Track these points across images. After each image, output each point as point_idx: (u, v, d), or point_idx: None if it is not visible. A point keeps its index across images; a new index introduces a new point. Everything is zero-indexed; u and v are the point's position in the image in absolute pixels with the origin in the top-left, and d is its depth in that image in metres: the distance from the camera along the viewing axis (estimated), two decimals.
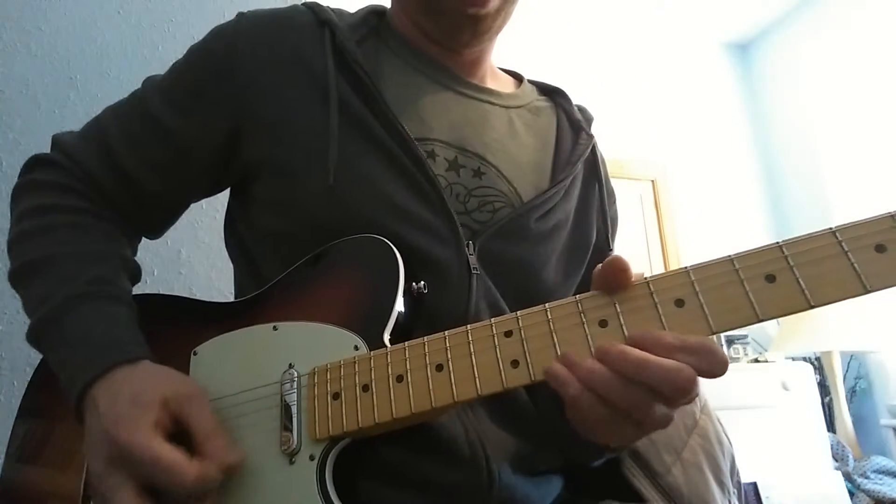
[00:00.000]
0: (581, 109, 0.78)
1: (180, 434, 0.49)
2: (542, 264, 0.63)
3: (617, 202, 0.79)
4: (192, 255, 1.52)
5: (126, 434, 0.47)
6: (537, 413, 0.61)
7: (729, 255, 0.41)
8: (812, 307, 0.38)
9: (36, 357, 1.32)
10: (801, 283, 0.38)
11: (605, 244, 0.72)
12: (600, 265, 0.44)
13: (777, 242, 0.40)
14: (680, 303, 0.41)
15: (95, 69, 1.49)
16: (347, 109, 0.60)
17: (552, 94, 0.79)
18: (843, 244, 0.38)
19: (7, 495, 0.59)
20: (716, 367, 0.39)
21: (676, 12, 3.01)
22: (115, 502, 0.46)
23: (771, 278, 0.39)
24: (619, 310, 0.42)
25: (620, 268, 0.42)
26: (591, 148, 0.72)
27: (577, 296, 0.44)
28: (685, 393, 0.39)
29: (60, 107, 1.43)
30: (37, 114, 1.40)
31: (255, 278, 0.65)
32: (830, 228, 0.39)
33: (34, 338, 0.58)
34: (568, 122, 0.75)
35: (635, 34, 2.96)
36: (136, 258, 0.69)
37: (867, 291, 0.37)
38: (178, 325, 0.61)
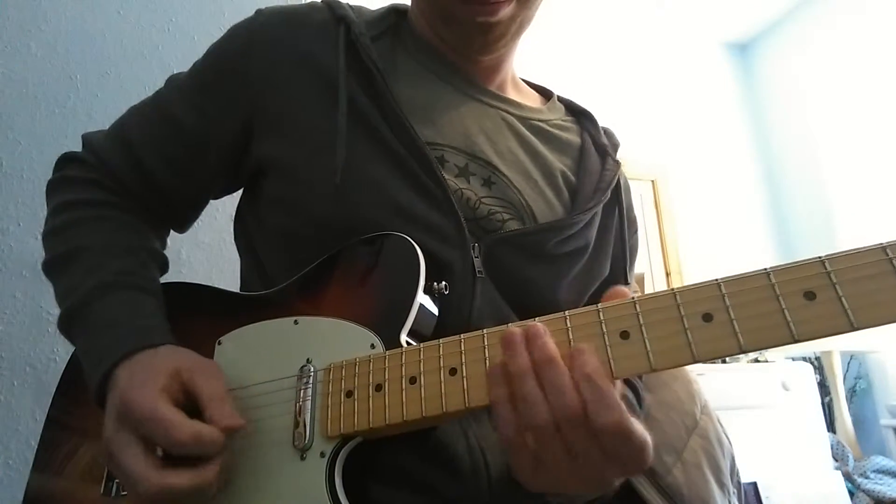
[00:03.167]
0: (607, 133, 0.76)
1: (192, 406, 0.50)
2: (556, 285, 0.62)
3: (638, 231, 0.76)
4: (192, 255, 1.52)
5: (132, 392, 0.48)
6: None
7: (765, 268, 0.38)
8: (855, 329, 0.34)
9: (36, 357, 1.32)
10: (844, 302, 0.35)
11: (620, 274, 0.70)
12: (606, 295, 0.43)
13: (819, 257, 0.36)
14: (708, 317, 0.38)
15: (95, 69, 1.49)
16: (356, 108, 0.60)
17: (579, 116, 0.77)
18: (894, 262, 0.35)
19: None
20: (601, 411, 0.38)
21: (676, 12, 3.01)
22: (123, 459, 0.47)
23: (810, 295, 0.36)
24: (641, 322, 0.40)
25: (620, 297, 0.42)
26: (617, 175, 0.70)
27: (599, 304, 0.42)
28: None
29: (60, 107, 1.43)
30: (37, 114, 1.40)
31: (258, 274, 0.66)
32: (881, 244, 0.35)
33: (64, 327, 0.60)
34: (594, 145, 0.73)
35: (635, 34, 2.96)
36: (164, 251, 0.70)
37: None
38: (205, 315, 0.61)
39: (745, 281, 0.38)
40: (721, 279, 0.39)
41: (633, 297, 0.41)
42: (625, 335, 0.40)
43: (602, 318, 0.41)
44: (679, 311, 0.39)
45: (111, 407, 0.50)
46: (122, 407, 0.48)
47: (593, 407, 0.38)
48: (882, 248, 0.35)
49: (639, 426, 0.40)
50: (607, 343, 0.40)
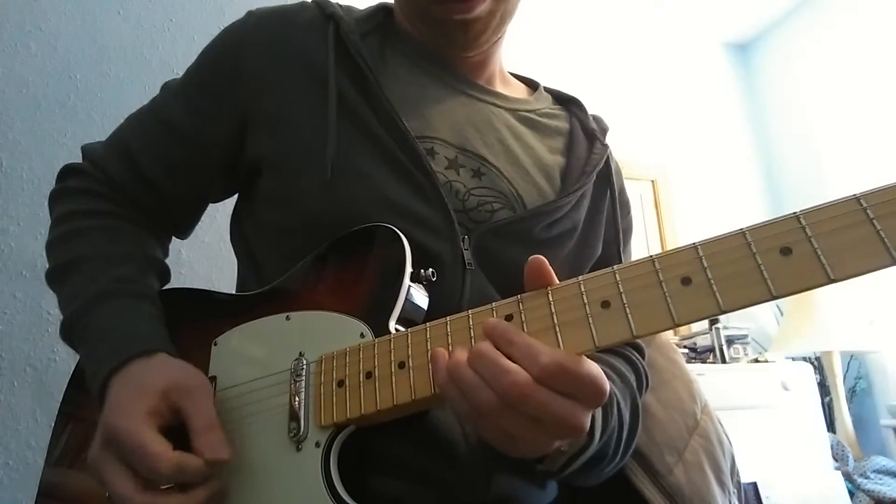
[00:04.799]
0: (596, 119, 0.77)
1: (181, 426, 0.50)
2: None
3: (631, 212, 0.77)
4: (192, 255, 1.52)
5: (118, 418, 0.49)
6: None
7: (741, 228, 0.38)
8: (832, 281, 0.34)
9: (36, 357, 1.33)
10: (820, 255, 0.35)
11: (615, 256, 0.70)
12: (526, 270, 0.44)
13: (794, 212, 0.36)
14: (687, 281, 0.38)
15: (95, 69, 1.49)
16: (346, 103, 0.61)
17: (567, 103, 0.78)
18: (867, 211, 0.34)
19: (48, 498, 0.61)
20: (584, 394, 0.39)
21: (676, 12, 3.01)
22: (109, 480, 0.48)
23: (786, 251, 0.36)
24: (621, 290, 0.40)
25: (538, 268, 0.43)
26: (605, 158, 0.71)
27: (580, 276, 0.43)
28: (519, 397, 0.39)
29: (60, 107, 1.43)
30: (37, 114, 1.40)
31: (254, 272, 0.66)
32: (854, 195, 0.35)
33: (66, 335, 0.61)
34: (582, 131, 0.74)
35: (635, 34, 2.96)
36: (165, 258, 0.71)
37: None
38: (201, 317, 0.63)
39: (722, 242, 0.38)
40: (699, 242, 0.39)
41: (612, 268, 0.42)
42: (605, 304, 0.41)
43: (583, 289, 0.42)
44: (658, 276, 0.40)
45: (100, 426, 0.50)
46: (109, 430, 0.49)
47: (526, 362, 0.39)
48: (856, 199, 0.35)
49: (584, 361, 0.40)
50: (588, 313, 0.41)
